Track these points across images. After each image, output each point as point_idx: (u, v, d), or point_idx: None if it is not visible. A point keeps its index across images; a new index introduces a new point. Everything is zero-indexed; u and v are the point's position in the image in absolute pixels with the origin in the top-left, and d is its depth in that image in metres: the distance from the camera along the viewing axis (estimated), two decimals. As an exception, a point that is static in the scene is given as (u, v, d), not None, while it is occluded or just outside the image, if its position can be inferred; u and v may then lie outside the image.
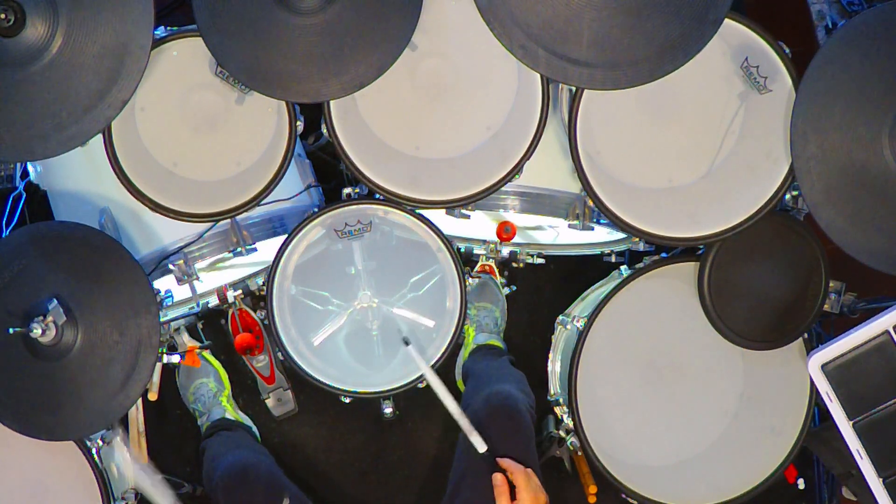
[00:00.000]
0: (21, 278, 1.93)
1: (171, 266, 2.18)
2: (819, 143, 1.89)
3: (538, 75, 2.00)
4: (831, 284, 2.12)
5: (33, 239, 1.98)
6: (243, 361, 2.60)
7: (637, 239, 2.26)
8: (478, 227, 2.39)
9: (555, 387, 2.40)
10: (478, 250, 2.46)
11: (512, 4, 1.83)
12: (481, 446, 1.89)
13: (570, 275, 2.66)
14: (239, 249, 2.20)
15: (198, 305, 2.43)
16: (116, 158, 2.02)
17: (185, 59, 2.03)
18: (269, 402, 2.62)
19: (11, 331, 1.84)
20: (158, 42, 1.98)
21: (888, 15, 1.85)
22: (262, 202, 2.10)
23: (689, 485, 2.20)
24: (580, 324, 2.19)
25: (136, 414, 2.37)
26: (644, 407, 2.20)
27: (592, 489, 2.45)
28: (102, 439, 2.11)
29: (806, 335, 2.16)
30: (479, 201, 2.12)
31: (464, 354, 2.55)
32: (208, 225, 2.17)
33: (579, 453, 2.29)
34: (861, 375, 1.93)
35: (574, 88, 1.98)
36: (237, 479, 2.16)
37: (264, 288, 2.23)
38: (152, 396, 2.39)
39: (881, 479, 1.94)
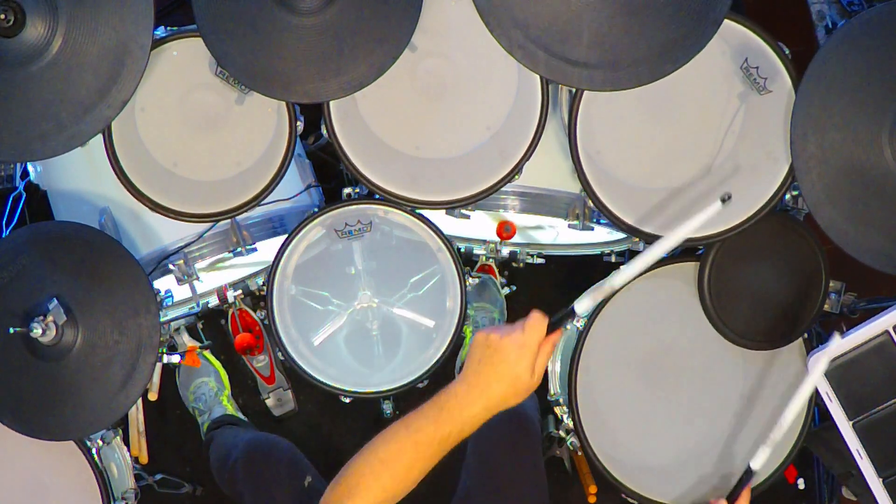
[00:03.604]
0: (21, 278, 1.94)
1: (171, 266, 2.18)
2: (819, 143, 1.89)
3: (538, 75, 2.00)
4: (831, 284, 2.12)
5: (33, 239, 1.98)
6: (243, 361, 2.61)
7: (637, 239, 2.26)
8: (478, 227, 2.39)
9: (555, 387, 2.40)
10: (478, 250, 2.46)
11: (511, 5, 1.83)
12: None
13: (570, 275, 2.66)
14: (239, 249, 2.20)
15: (198, 305, 2.43)
16: (116, 158, 2.02)
17: (185, 59, 2.03)
18: (269, 402, 2.62)
19: (11, 331, 1.84)
20: (158, 42, 1.98)
21: (888, 15, 1.85)
22: (262, 202, 2.10)
23: (689, 485, 2.20)
24: (580, 324, 2.19)
25: (136, 414, 2.38)
26: (644, 407, 2.20)
27: (592, 489, 2.45)
28: (102, 439, 2.11)
29: (806, 335, 2.16)
30: (479, 201, 2.12)
31: (462, 355, 2.55)
32: (208, 225, 2.17)
33: (579, 453, 2.29)
34: (861, 375, 1.93)
35: (574, 89, 1.98)
36: (261, 454, 2.14)
37: (264, 288, 2.23)
38: (152, 396, 2.39)
39: (881, 479, 1.94)
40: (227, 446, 2.27)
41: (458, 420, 1.45)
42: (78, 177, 2.22)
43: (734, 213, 2.05)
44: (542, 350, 1.44)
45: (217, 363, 2.62)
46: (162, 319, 2.05)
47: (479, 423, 1.45)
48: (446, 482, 2.10)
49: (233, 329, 2.52)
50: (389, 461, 1.50)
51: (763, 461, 1.80)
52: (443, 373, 2.31)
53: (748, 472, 1.83)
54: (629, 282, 1.62)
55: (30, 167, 2.32)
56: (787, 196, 2.06)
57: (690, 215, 1.64)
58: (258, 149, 2.10)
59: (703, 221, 1.56)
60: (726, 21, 1.87)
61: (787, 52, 1.95)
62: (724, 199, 1.55)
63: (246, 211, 2.10)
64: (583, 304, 1.49)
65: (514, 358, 1.41)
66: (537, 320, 1.44)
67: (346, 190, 2.24)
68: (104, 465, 2.09)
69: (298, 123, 2.06)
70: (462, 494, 2.03)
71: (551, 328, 1.46)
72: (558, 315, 1.48)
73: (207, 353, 2.60)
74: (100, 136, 1.96)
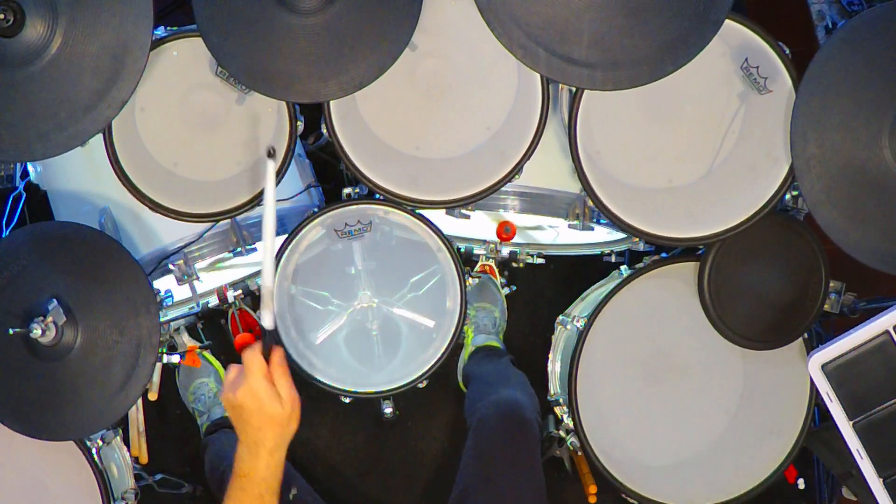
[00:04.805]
0: (21, 278, 1.93)
1: (171, 266, 2.18)
2: (819, 143, 1.89)
3: (538, 75, 2.00)
4: (831, 284, 2.12)
5: (33, 239, 1.98)
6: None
7: (637, 239, 2.26)
8: (478, 227, 2.39)
9: (555, 387, 2.40)
10: (478, 250, 2.46)
11: (512, 4, 1.83)
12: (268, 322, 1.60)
13: (570, 275, 2.66)
14: (239, 249, 2.20)
15: (198, 305, 2.43)
16: (116, 158, 2.02)
17: (185, 59, 2.03)
18: (269, 402, 2.62)
19: (11, 331, 1.84)
20: (158, 42, 1.98)
21: (888, 15, 1.85)
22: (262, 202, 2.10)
23: (689, 485, 2.20)
24: (580, 324, 2.19)
25: (136, 414, 2.37)
26: (644, 407, 2.20)
27: (592, 489, 2.45)
28: (102, 439, 2.11)
29: (806, 335, 2.16)
30: (479, 201, 2.12)
31: (463, 356, 2.55)
32: (208, 225, 2.17)
33: (579, 453, 2.29)
34: (861, 375, 1.93)
35: (574, 88, 1.98)
36: None
37: (264, 288, 2.23)
38: (152, 396, 2.39)
39: (881, 479, 1.94)
40: (219, 455, 2.27)
41: (260, 475, 1.53)
42: (78, 177, 2.22)
43: (734, 213, 2.05)
44: (275, 375, 1.50)
45: (217, 363, 2.62)
46: (162, 319, 2.05)
47: (278, 469, 1.54)
48: (443, 483, 2.11)
49: (233, 329, 2.52)
50: None
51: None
52: (443, 373, 2.32)
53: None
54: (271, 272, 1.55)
55: (30, 167, 2.32)
56: (787, 196, 2.06)
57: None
58: (258, 149, 2.10)
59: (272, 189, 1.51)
60: (726, 21, 1.86)
61: (788, 51, 1.95)
62: (270, 153, 1.50)
63: (246, 211, 2.10)
64: (266, 319, 1.51)
65: (255, 405, 1.48)
66: (251, 359, 1.49)
67: (346, 190, 2.24)
68: (104, 465, 2.09)
69: (298, 123, 2.06)
70: (458, 494, 2.03)
71: (266, 350, 1.50)
72: (263, 341, 1.51)
73: (207, 353, 2.60)
74: (100, 136, 1.96)
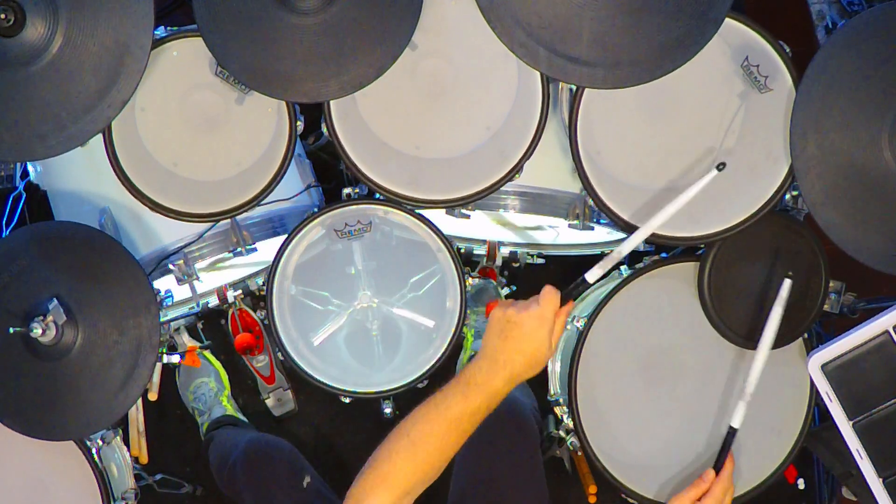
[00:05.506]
0: (21, 278, 1.94)
1: (171, 266, 2.18)
2: (819, 143, 1.89)
3: (538, 75, 2.00)
4: (831, 284, 2.12)
5: (33, 239, 1.98)
6: (243, 361, 2.61)
7: (637, 238, 2.26)
8: (478, 227, 2.39)
9: (555, 387, 2.40)
10: (478, 250, 2.46)
11: (513, 3, 1.83)
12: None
13: (570, 275, 2.66)
14: (239, 249, 2.20)
15: (198, 305, 2.43)
16: (116, 158, 2.02)
17: (185, 59, 2.03)
18: (269, 402, 2.62)
19: (11, 331, 1.84)
20: (158, 42, 1.98)
21: (888, 15, 1.85)
22: (262, 202, 2.10)
23: (689, 484, 2.19)
24: (580, 324, 2.19)
25: (136, 414, 2.38)
26: (644, 407, 2.20)
27: (592, 489, 2.45)
28: (102, 439, 2.11)
29: (806, 335, 2.15)
30: (479, 201, 2.12)
31: (463, 358, 2.55)
32: (208, 225, 2.17)
33: (579, 453, 2.29)
34: (861, 375, 1.93)
35: (574, 88, 1.98)
36: (260, 455, 2.15)
37: (264, 288, 2.23)
38: (152, 396, 2.39)
39: (881, 479, 1.94)
40: (227, 447, 2.27)
41: (486, 393, 1.51)
42: (78, 177, 2.23)
43: (734, 213, 2.05)
44: (556, 321, 1.53)
45: (217, 363, 2.62)
46: (162, 319, 2.05)
47: (503, 396, 1.53)
48: (442, 483, 2.10)
49: (233, 329, 2.52)
50: (421, 441, 1.54)
51: (742, 417, 1.80)
52: (442, 373, 2.31)
53: (731, 433, 1.82)
54: (633, 247, 1.72)
55: (30, 167, 2.32)
56: (787, 196, 2.06)
57: (685, 187, 1.72)
58: (258, 149, 2.10)
59: (699, 190, 1.64)
60: (726, 20, 1.87)
61: (788, 50, 1.95)
62: (720, 168, 1.62)
63: (246, 211, 2.10)
64: (593, 273, 1.56)
65: (532, 331, 1.50)
66: (551, 293, 1.52)
67: (346, 190, 2.24)
68: (104, 465, 2.09)
69: (298, 123, 2.06)
70: (458, 494, 2.02)
71: (564, 299, 1.56)
72: (570, 286, 1.53)
73: (207, 353, 2.60)
74: (100, 136, 1.96)
